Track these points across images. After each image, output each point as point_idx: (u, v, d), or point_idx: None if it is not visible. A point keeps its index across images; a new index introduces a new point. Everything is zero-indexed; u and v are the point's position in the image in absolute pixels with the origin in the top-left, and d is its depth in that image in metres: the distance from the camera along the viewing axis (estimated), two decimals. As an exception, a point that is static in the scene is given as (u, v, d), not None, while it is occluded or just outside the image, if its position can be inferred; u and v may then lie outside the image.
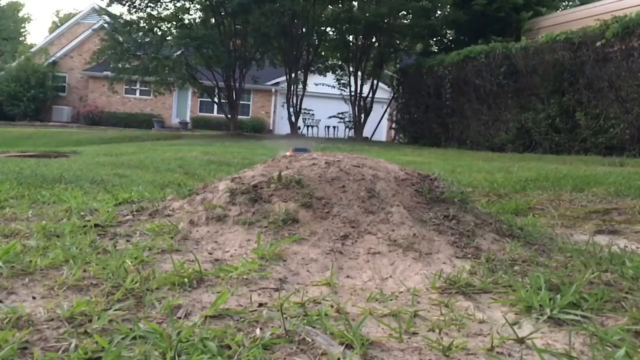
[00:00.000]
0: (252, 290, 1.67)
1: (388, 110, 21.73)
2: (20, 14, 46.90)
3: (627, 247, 2.43)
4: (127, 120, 27.10)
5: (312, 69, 19.91)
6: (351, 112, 20.01)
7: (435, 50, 19.26)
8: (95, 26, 24.98)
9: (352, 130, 20.33)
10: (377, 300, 1.66)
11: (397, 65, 20.04)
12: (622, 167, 6.55)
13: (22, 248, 1.93)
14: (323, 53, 20.41)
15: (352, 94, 19.16)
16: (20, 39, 45.35)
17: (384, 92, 22.80)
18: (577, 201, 3.88)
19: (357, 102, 19.17)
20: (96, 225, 2.32)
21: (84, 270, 1.73)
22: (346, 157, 2.72)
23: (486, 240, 2.21)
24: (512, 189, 4.49)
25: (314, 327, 1.36)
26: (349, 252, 2.03)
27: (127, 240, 2.14)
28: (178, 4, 19.04)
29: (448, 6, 17.99)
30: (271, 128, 28.63)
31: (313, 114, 22.94)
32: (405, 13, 18.54)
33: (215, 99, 21.03)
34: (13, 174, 4.28)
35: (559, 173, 5.36)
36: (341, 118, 21.84)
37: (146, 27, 18.81)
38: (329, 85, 20.91)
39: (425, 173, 2.72)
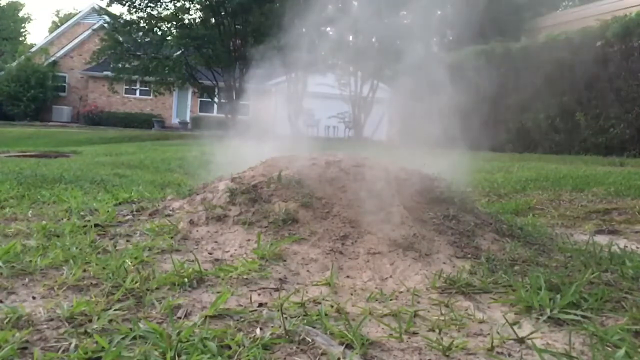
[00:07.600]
0: (252, 290, 1.67)
1: (388, 110, 21.73)
2: (20, 14, 46.87)
3: (627, 247, 2.42)
4: (127, 120, 27.09)
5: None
6: (351, 112, 19.99)
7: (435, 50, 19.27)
8: (95, 26, 25.00)
9: (352, 130, 20.31)
10: (377, 300, 1.65)
11: (397, 65, 20.01)
12: (622, 167, 6.54)
13: (22, 248, 1.93)
14: (323, 53, 20.38)
15: (352, 94, 19.14)
16: (20, 39, 45.31)
17: (384, 92, 22.77)
18: (577, 201, 3.88)
19: (357, 102, 19.16)
20: (96, 225, 2.32)
21: (84, 270, 1.73)
22: (346, 157, 2.72)
23: (486, 240, 2.21)
24: (512, 189, 4.48)
25: (314, 327, 1.36)
26: (349, 252, 2.02)
27: (127, 240, 2.14)
28: (178, 4, 19.07)
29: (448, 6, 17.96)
30: (271, 128, 28.59)
31: (313, 114, 22.92)
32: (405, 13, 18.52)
33: (215, 99, 21.03)
34: (13, 174, 4.28)
35: (559, 173, 5.35)
36: (341, 118, 21.81)
37: (146, 27, 18.84)
38: (329, 85, 20.88)
39: (425, 173, 2.72)
